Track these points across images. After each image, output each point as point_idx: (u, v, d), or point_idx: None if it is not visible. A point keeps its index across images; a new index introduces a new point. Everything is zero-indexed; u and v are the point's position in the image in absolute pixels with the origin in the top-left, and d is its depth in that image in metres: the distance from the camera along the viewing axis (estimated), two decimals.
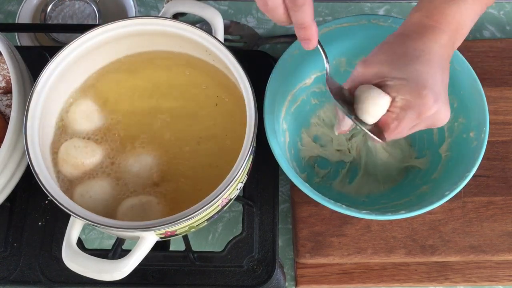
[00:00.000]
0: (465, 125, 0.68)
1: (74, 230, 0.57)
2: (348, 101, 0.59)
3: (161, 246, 0.67)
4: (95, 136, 0.64)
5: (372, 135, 0.57)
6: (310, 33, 0.55)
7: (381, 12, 0.91)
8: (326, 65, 0.60)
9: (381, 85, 0.56)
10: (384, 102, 0.56)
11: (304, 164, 0.75)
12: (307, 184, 0.63)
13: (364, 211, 0.63)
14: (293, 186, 0.75)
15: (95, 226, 0.56)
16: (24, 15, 0.88)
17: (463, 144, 0.68)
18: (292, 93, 0.73)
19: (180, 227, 0.58)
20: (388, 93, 0.56)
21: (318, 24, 0.70)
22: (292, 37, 0.88)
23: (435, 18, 0.57)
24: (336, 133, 0.63)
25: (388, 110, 0.56)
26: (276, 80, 0.68)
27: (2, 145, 0.60)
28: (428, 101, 0.54)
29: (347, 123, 0.60)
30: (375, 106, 0.56)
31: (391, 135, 0.57)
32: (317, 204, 0.73)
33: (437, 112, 0.55)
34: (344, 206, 0.63)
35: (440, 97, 0.55)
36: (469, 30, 0.59)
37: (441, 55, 0.56)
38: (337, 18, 0.72)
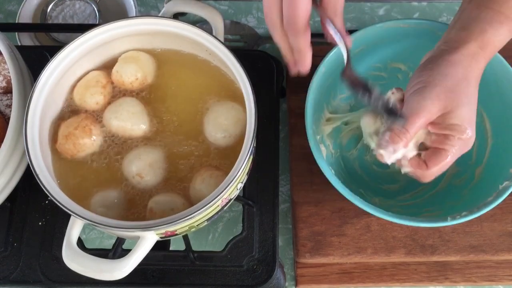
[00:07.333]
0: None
1: (74, 230, 0.57)
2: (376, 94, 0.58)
3: (161, 246, 0.67)
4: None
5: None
6: (304, 59, 0.55)
7: (381, 12, 0.91)
8: (345, 55, 0.57)
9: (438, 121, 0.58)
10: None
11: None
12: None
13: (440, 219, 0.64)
14: (293, 186, 0.75)
15: (95, 226, 0.56)
16: (25, 15, 0.88)
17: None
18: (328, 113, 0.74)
19: (180, 227, 0.58)
20: (442, 130, 0.58)
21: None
22: None
23: (486, 49, 0.59)
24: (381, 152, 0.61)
25: (440, 148, 0.58)
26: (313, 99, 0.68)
27: (2, 145, 0.60)
28: (472, 141, 0.58)
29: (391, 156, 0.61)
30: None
31: (438, 173, 0.60)
32: (317, 204, 0.73)
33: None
34: (421, 219, 0.63)
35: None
36: None
37: (478, 80, 0.59)
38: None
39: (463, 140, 0.58)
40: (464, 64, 0.57)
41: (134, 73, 0.65)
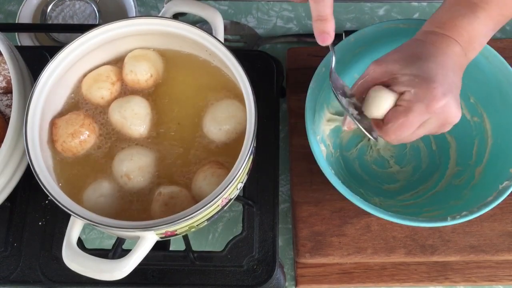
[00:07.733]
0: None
1: (74, 230, 0.57)
2: (350, 99, 0.60)
3: (161, 246, 0.67)
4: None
5: (365, 132, 0.58)
6: (329, 26, 0.55)
7: (381, 12, 0.91)
8: (333, 59, 0.61)
9: (390, 83, 0.58)
10: (388, 97, 0.57)
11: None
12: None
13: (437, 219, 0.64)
14: (293, 186, 0.75)
15: (95, 226, 0.56)
16: (24, 15, 0.88)
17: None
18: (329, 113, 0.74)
19: (180, 227, 0.58)
20: (398, 89, 0.57)
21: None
22: (292, 37, 0.88)
23: (447, 29, 0.59)
24: (345, 128, 0.64)
25: (396, 104, 0.57)
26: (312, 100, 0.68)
27: (2, 145, 0.60)
28: (436, 93, 0.54)
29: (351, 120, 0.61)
30: (380, 100, 0.58)
31: (398, 131, 0.57)
32: (317, 204, 0.73)
33: (446, 106, 0.55)
34: (421, 219, 0.63)
35: (449, 92, 0.55)
36: (482, 43, 0.62)
37: (454, 61, 0.58)
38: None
39: (417, 93, 0.56)
40: (423, 39, 0.59)
41: (148, 70, 0.65)
